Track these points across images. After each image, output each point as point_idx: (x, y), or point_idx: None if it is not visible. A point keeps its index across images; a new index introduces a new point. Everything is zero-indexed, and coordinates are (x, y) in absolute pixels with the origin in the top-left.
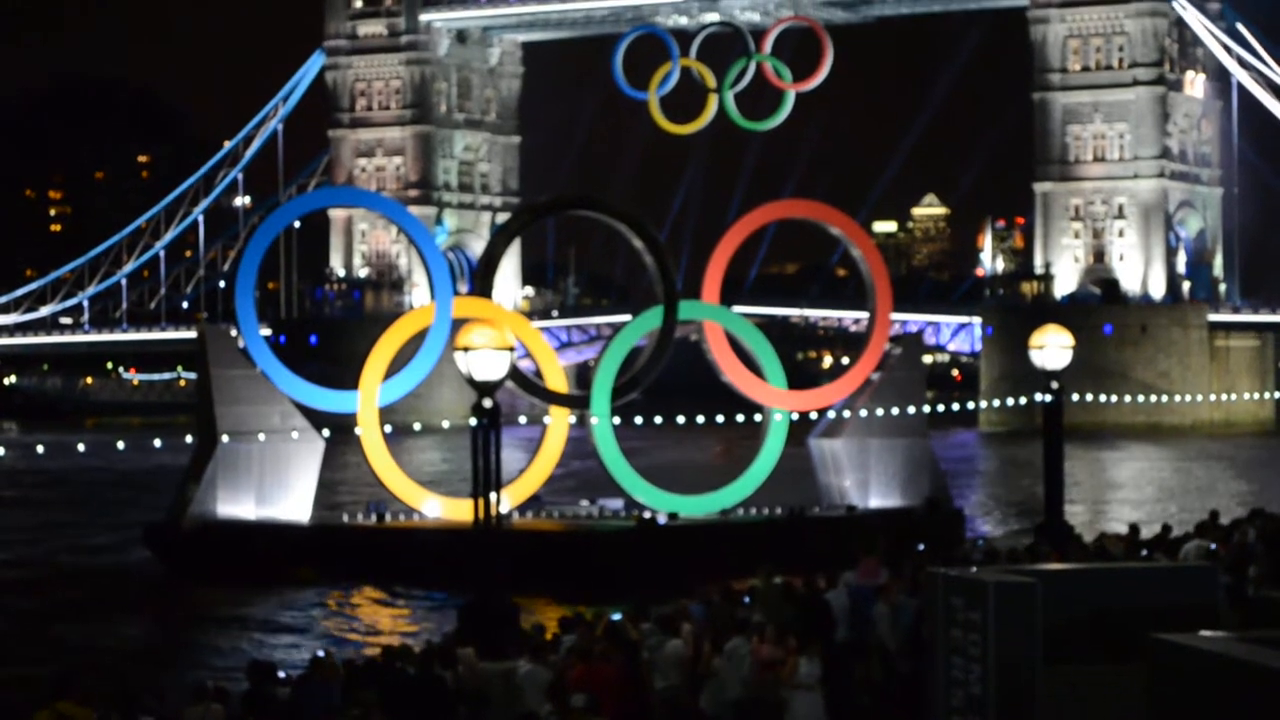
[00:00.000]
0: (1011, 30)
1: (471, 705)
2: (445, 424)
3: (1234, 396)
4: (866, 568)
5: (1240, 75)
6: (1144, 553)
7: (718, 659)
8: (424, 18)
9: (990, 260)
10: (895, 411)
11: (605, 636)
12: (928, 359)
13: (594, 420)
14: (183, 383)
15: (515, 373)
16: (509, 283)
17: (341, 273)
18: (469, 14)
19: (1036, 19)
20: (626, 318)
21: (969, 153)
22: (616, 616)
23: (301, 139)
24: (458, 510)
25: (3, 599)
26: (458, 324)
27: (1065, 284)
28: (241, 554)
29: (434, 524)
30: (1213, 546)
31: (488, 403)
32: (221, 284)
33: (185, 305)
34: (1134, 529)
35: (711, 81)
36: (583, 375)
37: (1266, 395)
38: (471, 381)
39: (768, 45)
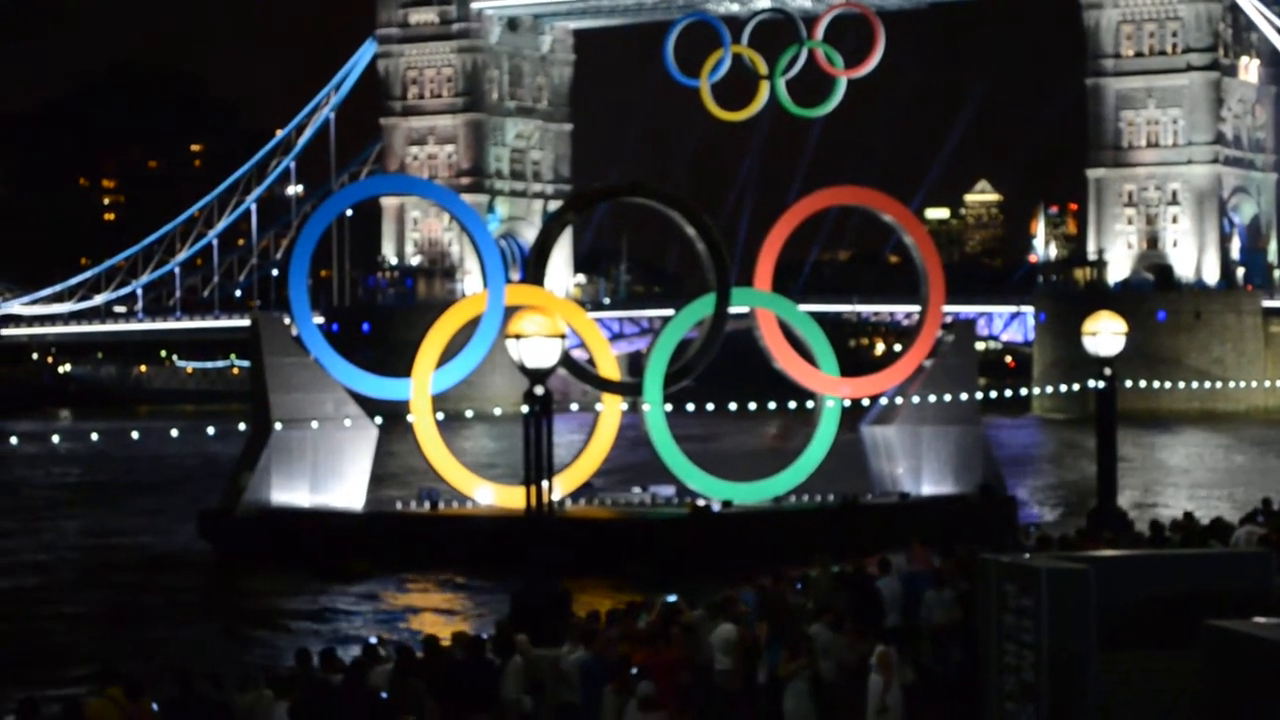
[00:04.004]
0: (1064, 15)
1: (527, 692)
2: (497, 411)
3: None
4: (917, 554)
5: None
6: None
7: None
8: (475, 5)
9: (1043, 247)
10: (947, 398)
11: (661, 620)
12: (980, 346)
13: (646, 407)
14: (236, 371)
15: (568, 360)
16: (561, 271)
17: (394, 261)
18: (520, 1)
19: (1089, 4)
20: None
21: (1022, 139)
22: (672, 599)
23: (353, 127)
24: (510, 497)
25: (57, 586)
26: (510, 312)
27: (1119, 270)
28: (295, 541)
29: (487, 511)
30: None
31: (539, 390)
32: (274, 272)
33: (238, 293)
34: (1188, 516)
35: (763, 68)
36: (635, 363)
37: None
38: (523, 369)
39: (819, 31)
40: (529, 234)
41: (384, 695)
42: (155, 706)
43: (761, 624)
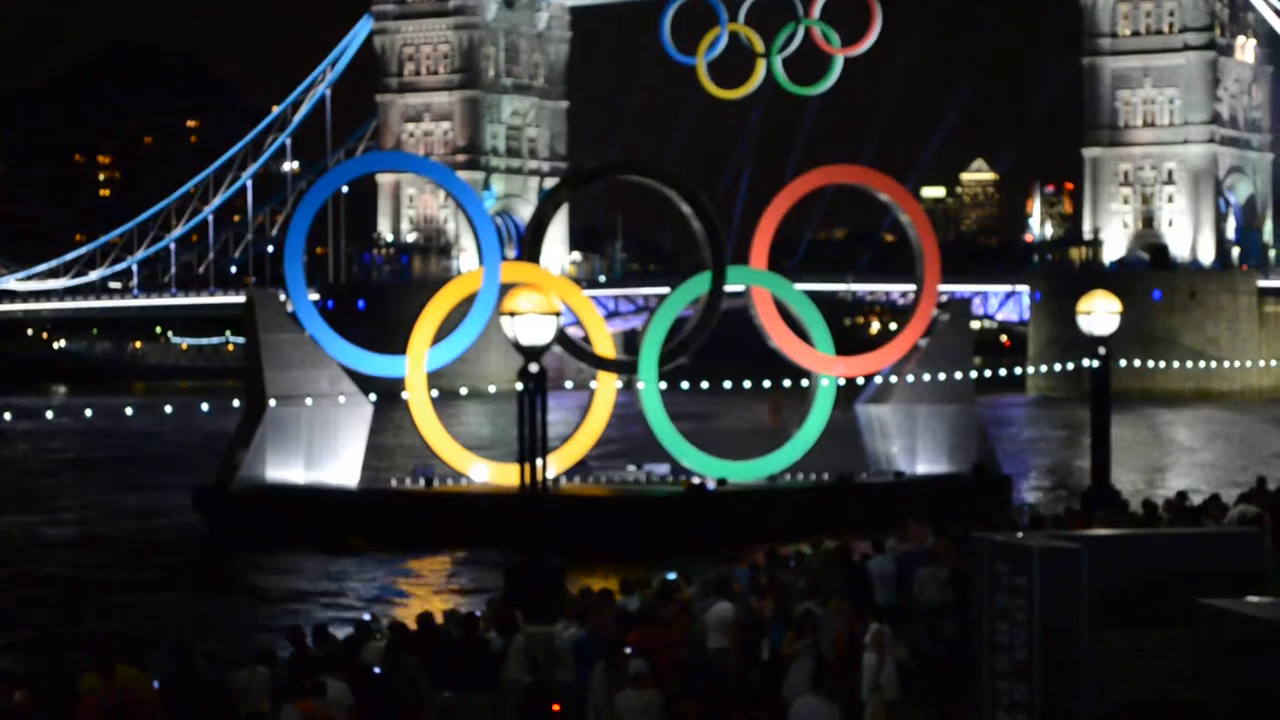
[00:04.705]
0: None
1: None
2: (492, 389)
3: None
4: (911, 533)
5: None
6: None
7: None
8: None
9: (1039, 226)
10: (942, 377)
11: (658, 597)
12: (975, 325)
13: (641, 385)
14: (231, 347)
15: (563, 337)
16: (557, 248)
17: (389, 238)
18: None
19: None
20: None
21: (1018, 118)
22: (671, 576)
23: (349, 104)
24: (505, 475)
25: (52, 562)
26: (505, 289)
27: (1114, 250)
28: (290, 517)
29: (481, 488)
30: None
31: (534, 368)
32: (270, 249)
33: (234, 270)
34: (1181, 495)
35: (760, 46)
36: (630, 342)
37: None
38: (518, 346)
39: (816, 10)
40: (525, 211)
41: (377, 671)
42: (156, 684)
43: (765, 601)
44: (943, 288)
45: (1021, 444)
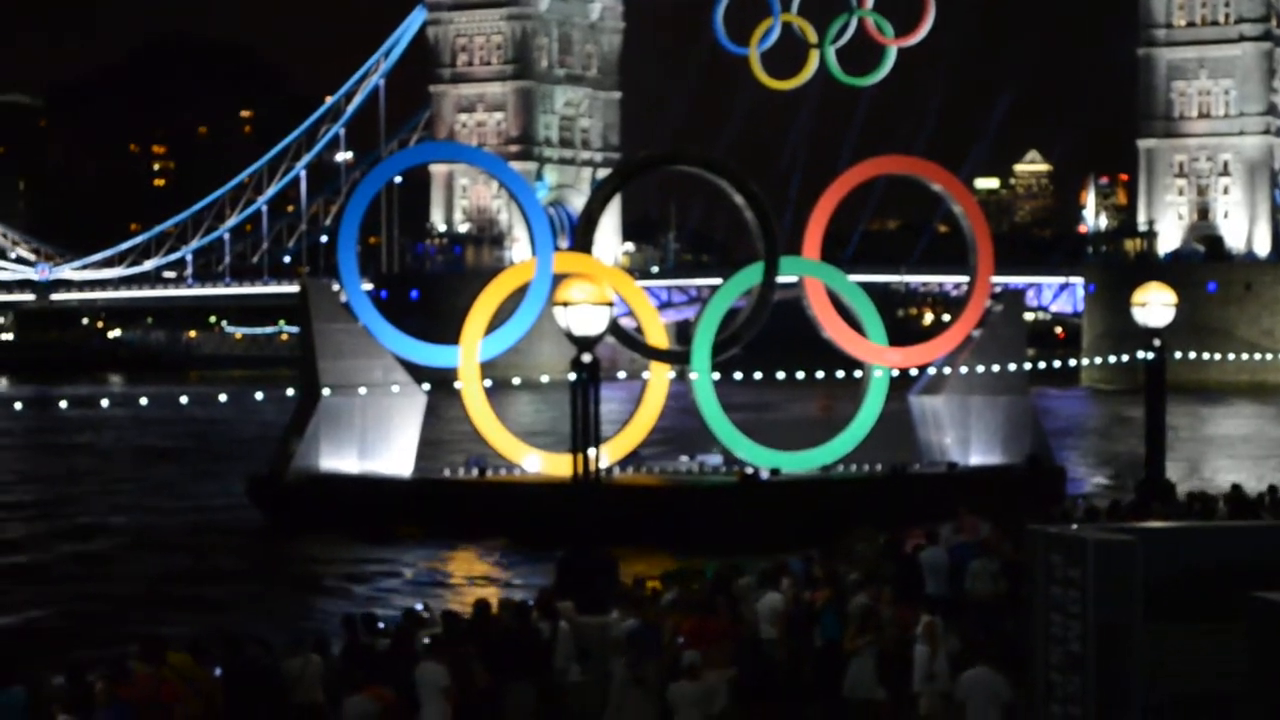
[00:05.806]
0: None
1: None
2: (545, 379)
3: None
4: (965, 525)
5: None
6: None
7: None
8: None
9: (1093, 217)
10: (996, 368)
11: (712, 588)
12: (1029, 317)
13: (694, 376)
14: (285, 337)
15: (616, 328)
16: (610, 238)
17: (442, 228)
18: None
19: None
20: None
21: (1072, 109)
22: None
23: (403, 94)
24: (557, 465)
25: (107, 552)
26: (558, 279)
27: (1169, 241)
28: (343, 507)
29: (534, 478)
30: None
31: (587, 358)
32: (324, 239)
33: (287, 260)
34: (1236, 487)
35: (813, 37)
36: (683, 332)
37: None
38: (571, 336)
39: (869, 0)
40: (577, 202)
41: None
42: (218, 671)
43: (818, 593)
44: (996, 279)
45: (1075, 436)
